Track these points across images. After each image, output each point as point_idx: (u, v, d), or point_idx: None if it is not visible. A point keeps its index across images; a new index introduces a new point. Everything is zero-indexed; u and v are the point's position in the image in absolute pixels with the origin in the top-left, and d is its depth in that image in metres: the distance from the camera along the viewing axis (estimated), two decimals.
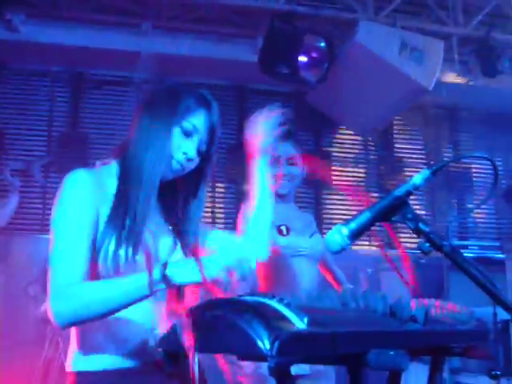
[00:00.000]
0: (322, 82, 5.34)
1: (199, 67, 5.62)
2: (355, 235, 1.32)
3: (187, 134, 1.76)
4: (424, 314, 1.42)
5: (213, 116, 1.81)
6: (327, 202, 6.78)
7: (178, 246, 1.79)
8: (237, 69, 5.83)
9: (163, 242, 1.76)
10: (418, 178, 1.32)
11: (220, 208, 6.34)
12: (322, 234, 6.15)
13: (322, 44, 5.22)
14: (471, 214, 7.08)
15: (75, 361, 1.68)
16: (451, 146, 7.26)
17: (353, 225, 1.32)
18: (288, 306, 1.11)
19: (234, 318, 1.08)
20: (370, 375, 1.39)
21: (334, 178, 6.83)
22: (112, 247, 1.61)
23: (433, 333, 1.44)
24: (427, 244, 1.27)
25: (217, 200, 6.37)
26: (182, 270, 1.48)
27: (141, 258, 1.63)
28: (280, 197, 3.19)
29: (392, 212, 1.32)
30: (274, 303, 1.12)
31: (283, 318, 1.08)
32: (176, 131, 1.75)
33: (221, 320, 1.10)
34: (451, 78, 5.85)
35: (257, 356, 1.03)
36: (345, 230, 1.32)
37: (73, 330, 1.69)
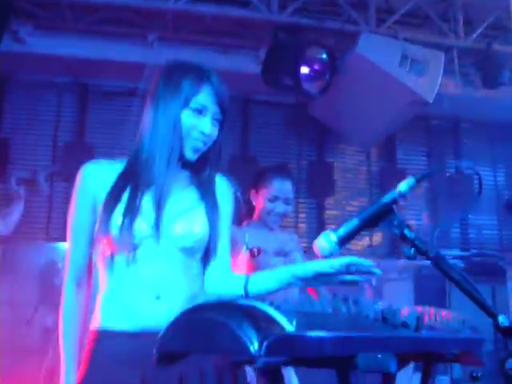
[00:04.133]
0: (324, 94, 5.38)
1: None
2: (343, 241, 1.37)
3: (199, 112, 1.83)
4: (416, 320, 1.44)
5: (217, 88, 1.86)
6: (328, 211, 6.81)
7: (200, 209, 1.89)
8: (240, 80, 5.88)
9: (174, 206, 1.85)
10: (403, 185, 1.37)
11: None
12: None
13: (324, 56, 5.26)
14: (458, 224, 7.10)
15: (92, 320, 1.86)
16: (454, 157, 7.28)
17: (341, 231, 1.37)
18: (277, 308, 1.15)
19: (223, 319, 1.11)
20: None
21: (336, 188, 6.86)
22: (117, 220, 1.76)
23: (423, 339, 1.45)
24: (412, 250, 1.32)
25: None
26: None
27: (138, 225, 1.76)
28: (266, 226, 3.33)
29: (379, 219, 1.37)
30: (263, 306, 1.16)
31: (272, 320, 1.11)
32: (187, 113, 1.83)
33: (211, 322, 1.13)
34: (452, 89, 5.88)
35: (246, 356, 1.07)
36: (333, 236, 1.37)
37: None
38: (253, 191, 3.40)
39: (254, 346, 1.05)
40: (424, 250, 1.30)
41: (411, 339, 1.43)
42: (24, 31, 5.40)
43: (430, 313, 1.57)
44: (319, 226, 6.67)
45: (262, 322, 1.10)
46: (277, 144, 6.74)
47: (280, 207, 3.31)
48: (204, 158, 1.92)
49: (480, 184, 1.35)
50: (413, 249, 1.31)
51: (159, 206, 1.79)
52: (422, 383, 1.68)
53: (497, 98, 6.15)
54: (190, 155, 1.87)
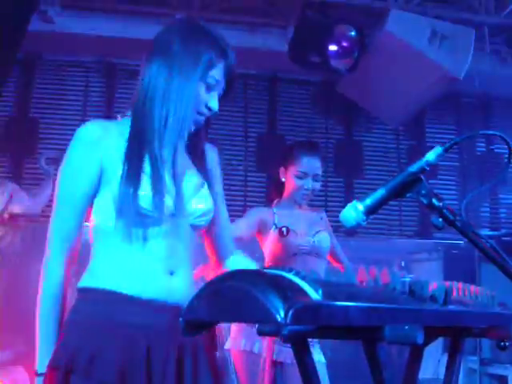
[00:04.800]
0: (353, 71, 5.34)
1: None
2: (370, 211, 1.35)
3: (210, 88, 1.79)
4: (444, 294, 1.42)
5: (231, 65, 1.81)
6: (357, 190, 6.77)
7: (205, 185, 1.85)
8: (268, 59, 5.86)
9: (188, 183, 1.81)
10: (431, 154, 1.35)
11: (251, 197, 6.36)
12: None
13: (353, 33, 5.21)
14: (488, 203, 7.02)
15: (84, 278, 1.77)
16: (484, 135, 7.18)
17: (368, 201, 1.35)
18: (304, 278, 1.15)
19: (249, 287, 1.11)
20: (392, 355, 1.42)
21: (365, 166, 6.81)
22: (132, 191, 1.67)
23: (451, 313, 1.44)
24: (440, 219, 1.30)
25: (248, 189, 6.40)
26: None
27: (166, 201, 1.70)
28: (296, 204, 3.33)
29: (406, 188, 1.35)
30: (290, 275, 1.16)
31: (298, 289, 1.11)
32: (201, 87, 1.77)
33: (237, 290, 1.13)
34: (483, 66, 5.79)
35: (272, 324, 1.06)
36: (360, 206, 1.35)
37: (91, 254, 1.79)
38: (282, 169, 3.40)
39: (280, 314, 1.04)
40: (452, 219, 1.29)
41: (439, 313, 1.42)
42: (52, 11, 5.42)
43: (458, 287, 1.56)
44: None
45: (287, 291, 1.09)
46: (304, 122, 6.71)
47: (309, 184, 3.31)
48: (198, 130, 1.88)
49: (510, 153, 1.32)
50: (441, 218, 1.30)
51: (178, 182, 1.77)
52: (450, 358, 1.67)
53: None
54: (191, 128, 1.83)
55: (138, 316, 1.67)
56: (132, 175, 1.69)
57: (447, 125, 7.17)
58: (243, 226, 3.23)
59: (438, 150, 1.34)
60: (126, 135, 1.77)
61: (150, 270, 1.70)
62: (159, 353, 1.66)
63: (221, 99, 1.85)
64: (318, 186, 3.36)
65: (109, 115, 6.32)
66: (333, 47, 5.22)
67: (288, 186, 3.37)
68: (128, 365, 1.63)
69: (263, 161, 6.33)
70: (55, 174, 5.32)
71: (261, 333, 1.27)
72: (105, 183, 1.73)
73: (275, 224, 3.27)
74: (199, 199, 1.80)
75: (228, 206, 2.02)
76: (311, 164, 3.34)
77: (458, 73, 5.24)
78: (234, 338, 3.15)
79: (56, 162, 5.67)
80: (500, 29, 5.91)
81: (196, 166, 1.88)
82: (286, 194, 3.40)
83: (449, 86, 5.60)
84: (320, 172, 3.36)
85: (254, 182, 6.47)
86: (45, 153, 5.60)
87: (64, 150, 5.47)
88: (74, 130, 5.96)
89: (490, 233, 6.39)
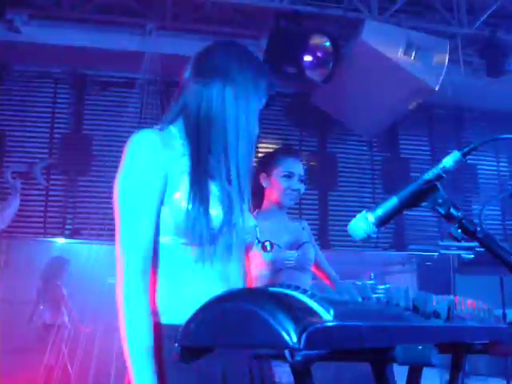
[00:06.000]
0: (328, 82, 5.30)
1: None
2: (382, 222, 1.26)
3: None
4: (447, 310, 1.36)
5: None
6: (331, 202, 6.73)
7: None
8: None
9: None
10: (448, 160, 1.26)
11: None
12: (328, 234, 6.07)
13: (328, 44, 5.18)
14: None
15: (164, 313, 1.64)
16: (456, 146, 7.21)
17: (379, 211, 1.26)
18: (313, 297, 1.05)
19: (254, 308, 1.00)
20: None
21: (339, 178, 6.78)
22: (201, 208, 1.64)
23: (457, 329, 1.38)
24: (459, 230, 1.21)
25: None
26: None
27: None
28: (280, 208, 3.26)
29: (421, 197, 1.26)
30: (297, 294, 1.06)
31: (308, 309, 1.02)
32: None
33: (240, 312, 1.02)
34: (456, 78, 5.80)
35: (283, 350, 0.96)
36: (371, 217, 1.26)
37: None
38: (263, 174, 3.31)
39: (292, 338, 0.94)
40: (472, 229, 1.20)
41: (446, 329, 1.35)
42: (19, 20, 5.29)
43: (455, 301, 1.50)
44: (322, 217, 6.58)
45: (298, 312, 0.99)
46: (278, 134, 6.66)
47: (295, 184, 3.25)
48: None
49: None
50: (460, 229, 1.21)
51: (242, 201, 1.77)
52: (452, 376, 1.61)
53: (500, 86, 6.07)
54: None
55: None
56: (201, 194, 1.65)
57: (420, 136, 7.20)
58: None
59: (455, 155, 1.25)
60: (178, 149, 1.72)
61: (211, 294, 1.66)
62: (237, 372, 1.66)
63: None
64: (303, 188, 3.31)
65: (78, 128, 6.20)
66: (308, 58, 5.17)
67: (272, 190, 3.29)
68: None
69: None
70: (22, 189, 5.19)
71: (258, 357, 1.17)
72: (166, 197, 1.66)
73: (257, 238, 3.18)
74: (249, 216, 1.83)
75: None
76: (296, 164, 3.32)
77: (434, 84, 5.23)
78: None
79: (23, 175, 5.54)
80: (472, 40, 5.93)
81: None
82: (266, 201, 3.32)
83: (424, 97, 5.59)
84: (303, 173, 3.33)
85: None
86: (11, 166, 5.46)
87: (32, 164, 5.28)
88: (43, 142, 5.82)
89: (466, 244, 6.38)
